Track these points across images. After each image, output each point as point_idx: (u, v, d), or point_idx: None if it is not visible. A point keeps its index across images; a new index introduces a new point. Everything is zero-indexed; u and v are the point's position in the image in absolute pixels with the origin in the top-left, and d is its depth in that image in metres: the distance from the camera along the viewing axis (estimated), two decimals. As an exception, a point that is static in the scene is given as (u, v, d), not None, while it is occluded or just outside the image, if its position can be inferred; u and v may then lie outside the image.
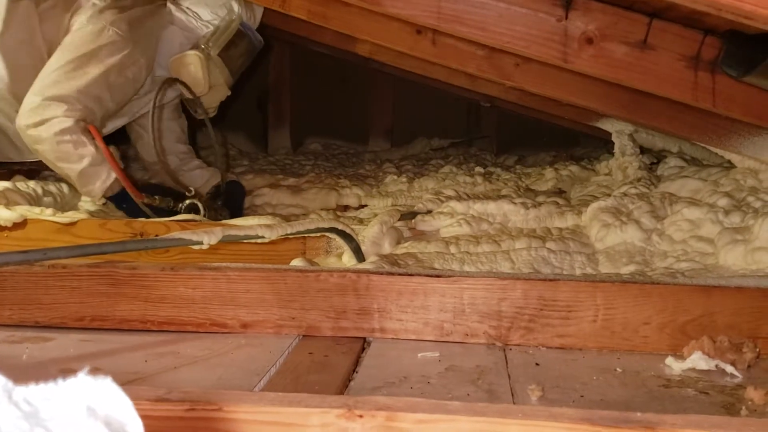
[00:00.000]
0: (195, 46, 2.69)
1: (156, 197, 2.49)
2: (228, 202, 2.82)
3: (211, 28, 2.72)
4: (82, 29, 2.51)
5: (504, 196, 2.64)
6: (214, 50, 2.69)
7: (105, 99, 2.47)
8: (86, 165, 2.35)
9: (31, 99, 2.36)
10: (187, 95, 2.72)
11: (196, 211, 2.54)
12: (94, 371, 0.44)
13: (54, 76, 2.40)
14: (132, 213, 2.43)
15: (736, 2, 1.05)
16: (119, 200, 2.45)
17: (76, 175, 2.37)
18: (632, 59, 1.86)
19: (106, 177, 2.38)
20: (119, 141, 2.91)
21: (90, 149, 2.36)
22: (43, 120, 2.32)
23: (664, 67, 1.86)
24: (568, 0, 1.87)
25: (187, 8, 2.73)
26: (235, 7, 2.77)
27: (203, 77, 2.65)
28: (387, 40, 2.58)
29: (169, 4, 2.75)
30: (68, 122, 2.34)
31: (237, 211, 2.84)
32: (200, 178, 2.97)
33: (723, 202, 2.07)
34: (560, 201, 2.67)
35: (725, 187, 2.23)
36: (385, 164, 4.10)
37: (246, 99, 4.92)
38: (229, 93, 2.87)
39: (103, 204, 2.46)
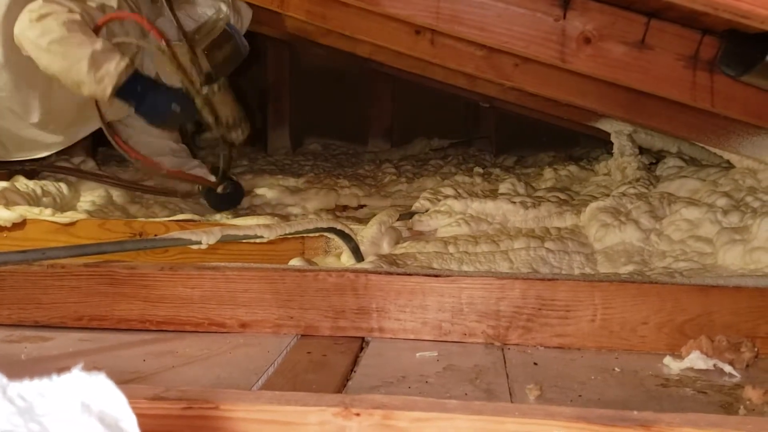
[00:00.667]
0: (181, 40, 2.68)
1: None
2: (226, 200, 2.82)
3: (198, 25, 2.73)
4: None
5: (504, 194, 2.65)
6: (198, 46, 2.68)
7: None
8: (99, 48, 2.32)
9: (32, 3, 2.34)
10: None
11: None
12: (93, 370, 0.44)
13: None
14: (149, 96, 2.41)
15: (733, 2, 1.05)
16: (132, 85, 2.40)
17: (88, 59, 2.30)
18: (630, 59, 1.87)
19: (119, 60, 2.35)
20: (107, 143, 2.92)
21: (99, 38, 2.35)
22: (49, 12, 2.30)
23: (662, 66, 1.86)
24: (566, 0, 1.87)
25: (179, 4, 2.74)
26: (224, 8, 2.77)
27: (176, 70, 2.62)
28: (386, 40, 2.58)
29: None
30: (75, 15, 2.33)
31: (219, 207, 2.84)
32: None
33: (721, 202, 2.07)
34: (562, 196, 2.68)
35: (724, 187, 2.23)
36: (385, 164, 4.10)
37: (245, 99, 4.91)
38: (204, 93, 2.86)
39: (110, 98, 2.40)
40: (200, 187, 2.84)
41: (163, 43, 2.45)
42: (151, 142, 2.91)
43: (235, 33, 2.81)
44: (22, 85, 2.50)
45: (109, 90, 2.32)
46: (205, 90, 2.54)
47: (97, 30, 2.39)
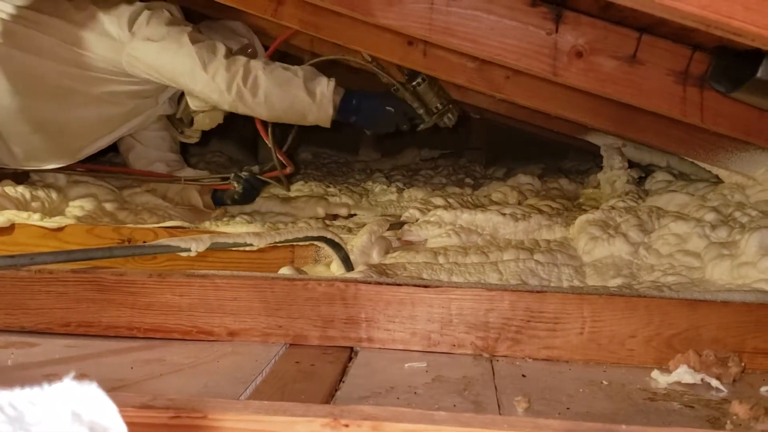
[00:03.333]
0: None
1: None
2: (246, 196, 2.86)
3: None
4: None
5: (496, 203, 2.66)
6: None
7: None
8: (302, 75, 2.40)
9: (202, 76, 2.42)
10: (193, 107, 2.75)
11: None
12: (80, 377, 0.44)
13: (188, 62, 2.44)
14: (369, 114, 2.50)
15: (725, 18, 1.06)
16: (348, 101, 2.47)
17: (302, 87, 2.38)
18: (621, 73, 1.88)
19: (327, 80, 2.41)
20: (107, 149, 2.92)
21: (298, 67, 2.45)
22: (230, 64, 2.40)
23: (653, 81, 1.87)
24: (558, 14, 1.88)
25: (209, 35, 2.78)
26: (247, 44, 2.84)
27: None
28: (378, 50, 2.58)
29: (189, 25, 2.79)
30: (243, 58, 2.45)
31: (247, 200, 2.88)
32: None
33: (710, 216, 2.08)
34: (554, 204, 2.69)
35: (712, 202, 2.24)
36: (375, 174, 4.10)
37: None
38: (221, 122, 2.89)
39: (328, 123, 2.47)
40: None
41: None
42: (149, 153, 2.93)
43: None
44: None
45: (330, 111, 2.38)
46: (411, 84, 2.59)
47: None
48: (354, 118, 2.50)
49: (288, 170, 2.88)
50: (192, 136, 2.99)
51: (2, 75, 2.44)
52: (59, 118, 2.58)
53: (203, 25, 2.89)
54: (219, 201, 2.87)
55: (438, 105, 2.62)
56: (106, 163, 3.63)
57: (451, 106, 2.70)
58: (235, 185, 2.81)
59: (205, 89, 2.44)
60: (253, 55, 2.83)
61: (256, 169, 2.99)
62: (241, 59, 2.45)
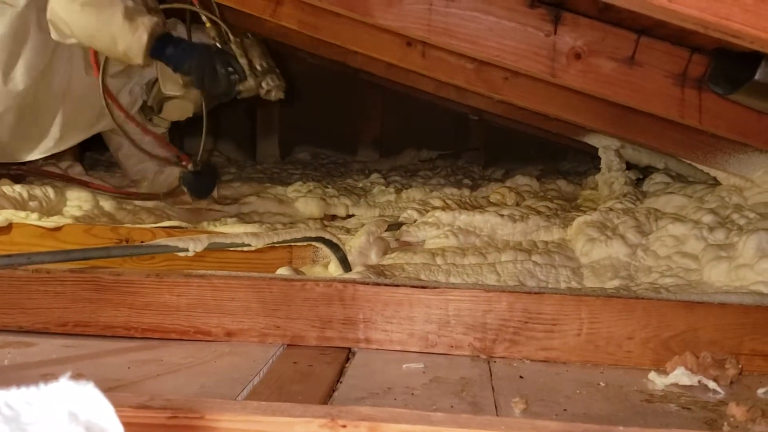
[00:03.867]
0: None
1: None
2: (200, 183, 2.83)
3: None
4: None
5: (494, 204, 2.66)
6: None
7: None
8: (130, 4, 2.31)
9: None
10: (151, 99, 2.73)
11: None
12: (76, 377, 0.44)
13: None
14: (179, 54, 2.38)
15: (723, 21, 1.06)
16: (164, 44, 2.38)
17: (122, 14, 2.29)
18: (620, 75, 1.88)
19: (151, 16, 2.34)
20: (95, 148, 2.92)
21: None
22: None
23: (651, 83, 1.87)
24: (556, 15, 1.88)
25: (192, 32, 2.77)
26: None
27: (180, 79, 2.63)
28: (377, 51, 2.59)
29: (178, 25, 2.78)
30: None
31: (204, 196, 2.85)
32: (171, 175, 2.96)
33: (708, 218, 2.08)
34: (551, 205, 2.70)
35: (710, 204, 2.24)
36: (373, 174, 4.10)
37: (235, 107, 4.90)
38: (190, 116, 2.87)
39: (148, 59, 2.38)
40: (180, 179, 2.83)
41: None
42: (137, 166, 2.94)
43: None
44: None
45: (144, 38, 2.28)
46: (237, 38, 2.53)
47: None
48: (172, 62, 2.41)
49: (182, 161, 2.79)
50: (160, 125, 2.96)
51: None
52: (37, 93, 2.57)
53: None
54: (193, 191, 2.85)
55: (263, 64, 2.54)
56: (104, 163, 3.64)
57: (276, 74, 2.63)
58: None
59: None
60: None
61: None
62: None
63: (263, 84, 2.46)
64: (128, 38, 2.30)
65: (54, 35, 2.36)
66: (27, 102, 2.53)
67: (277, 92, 2.53)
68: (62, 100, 2.62)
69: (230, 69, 2.40)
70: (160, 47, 2.35)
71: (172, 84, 2.68)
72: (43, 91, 2.55)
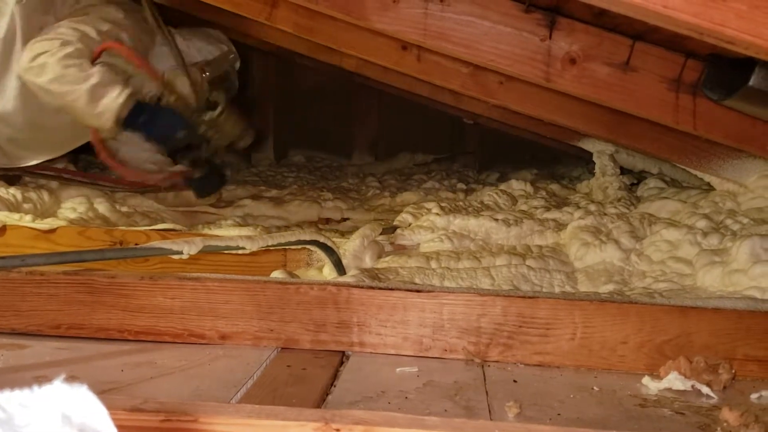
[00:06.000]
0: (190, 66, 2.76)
1: (174, 93, 2.50)
2: (205, 182, 2.84)
3: (209, 58, 2.82)
4: (91, 6, 2.53)
5: (488, 206, 2.66)
6: (208, 76, 2.76)
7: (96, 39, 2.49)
8: (95, 81, 2.33)
9: (32, 42, 2.38)
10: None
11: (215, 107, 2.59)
12: (70, 379, 0.43)
13: (55, 27, 2.43)
14: (151, 126, 2.39)
15: (718, 27, 1.06)
16: (136, 116, 2.40)
17: (86, 95, 2.32)
18: (615, 80, 1.89)
19: (119, 93, 2.35)
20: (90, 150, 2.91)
21: (96, 69, 2.35)
22: (44, 50, 2.33)
23: (646, 88, 1.88)
24: (552, 20, 1.89)
25: (190, 38, 2.81)
26: (226, 50, 2.87)
27: (188, 92, 2.67)
28: (372, 55, 2.59)
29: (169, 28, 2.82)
30: (70, 48, 2.34)
31: (202, 193, 2.86)
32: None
33: (702, 223, 2.08)
34: (546, 196, 2.71)
35: (704, 209, 2.25)
36: (368, 178, 4.10)
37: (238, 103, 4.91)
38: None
39: (119, 132, 2.39)
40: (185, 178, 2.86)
41: (159, 80, 2.47)
42: (137, 155, 2.93)
43: (231, 73, 2.91)
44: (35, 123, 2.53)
45: (109, 123, 2.34)
46: (207, 116, 2.57)
47: (95, 59, 2.40)
48: (142, 134, 2.45)
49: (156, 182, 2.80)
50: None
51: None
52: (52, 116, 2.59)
53: (186, 30, 2.92)
54: (198, 190, 2.86)
55: (235, 133, 2.62)
56: (99, 165, 3.63)
57: (247, 134, 2.71)
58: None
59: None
60: (233, 62, 2.87)
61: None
62: (68, 47, 2.37)
63: (235, 147, 2.55)
64: (94, 121, 2.36)
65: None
66: (36, 115, 2.55)
67: (245, 145, 2.62)
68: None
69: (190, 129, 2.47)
70: (131, 120, 2.39)
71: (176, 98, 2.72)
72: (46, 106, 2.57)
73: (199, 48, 2.88)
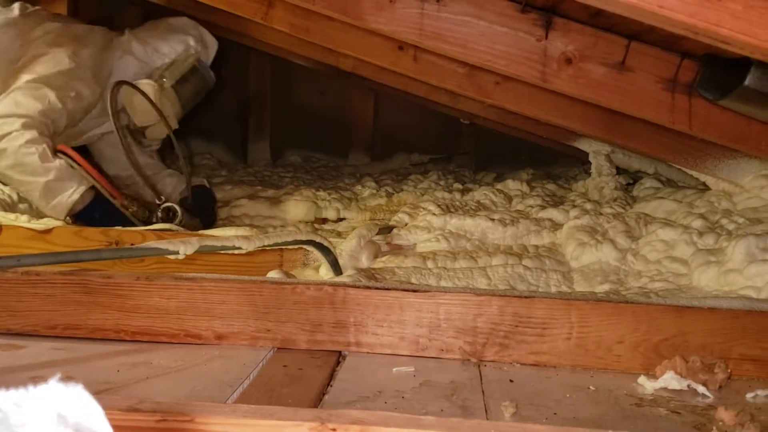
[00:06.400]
0: (149, 77, 2.72)
1: (135, 202, 2.47)
2: (196, 208, 2.79)
3: (167, 60, 2.76)
4: (42, 55, 2.52)
5: (484, 206, 2.66)
6: (168, 82, 2.71)
7: (59, 119, 2.48)
8: (52, 178, 2.31)
9: None
10: (132, 124, 2.74)
11: (173, 215, 2.51)
12: (66, 379, 0.43)
13: (13, 95, 2.40)
14: (106, 223, 2.38)
15: (713, 27, 1.07)
16: (91, 211, 2.39)
17: (41, 189, 2.30)
18: (610, 80, 1.89)
19: (74, 191, 2.32)
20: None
21: (57, 163, 2.32)
22: (7, 133, 2.30)
23: (641, 88, 1.88)
24: (548, 20, 1.89)
25: (146, 40, 2.77)
26: (192, 43, 2.81)
27: (150, 107, 2.63)
28: (369, 55, 2.59)
29: (127, 34, 2.81)
30: (31, 133, 2.32)
31: (207, 217, 2.82)
32: (170, 185, 2.96)
33: (697, 223, 2.09)
34: (544, 192, 2.71)
35: (700, 209, 2.25)
36: (365, 178, 4.10)
37: (226, 110, 4.91)
38: (176, 127, 2.85)
39: (69, 223, 2.35)
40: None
41: (115, 192, 2.46)
42: (118, 174, 2.93)
43: (203, 68, 2.86)
44: None
45: (62, 218, 2.32)
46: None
47: (54, 152, 2.37)
48: (97, 224, 2.43)
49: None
50: (152, 144, 2.98)
51: None
52: None
53: (149, 24, 2.89)
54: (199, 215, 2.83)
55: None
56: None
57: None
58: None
59: None
60: (201, 53, 2.83)
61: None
62: (30, 132, 2.34)
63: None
64: (47, 212, 2.35)
65: None
66: None
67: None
68: None
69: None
70: (85, 215, 2.38)
71: (141, 115, 2.69)
72: None
73: (156, 48, 2.79)
